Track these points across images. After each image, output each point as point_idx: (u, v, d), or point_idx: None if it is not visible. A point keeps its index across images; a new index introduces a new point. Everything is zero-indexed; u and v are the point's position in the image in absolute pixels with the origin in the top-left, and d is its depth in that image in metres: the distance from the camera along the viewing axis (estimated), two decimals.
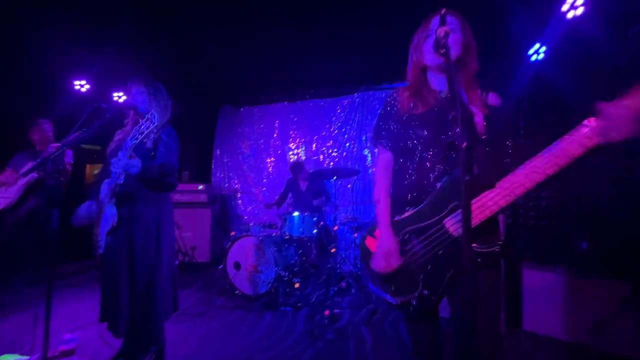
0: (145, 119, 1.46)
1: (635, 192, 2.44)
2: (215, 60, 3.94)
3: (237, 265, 3.17)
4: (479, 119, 1.07)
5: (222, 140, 5.39)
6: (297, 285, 3.14)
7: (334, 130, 4.77)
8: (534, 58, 3.26)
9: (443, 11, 0.90)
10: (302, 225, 3.27)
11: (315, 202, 3.77)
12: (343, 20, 3.15)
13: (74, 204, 1.64)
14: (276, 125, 5.10)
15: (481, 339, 1.00)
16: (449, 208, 1.01)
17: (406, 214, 1.11)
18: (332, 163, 4.73)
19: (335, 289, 3.29)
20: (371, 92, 4.58)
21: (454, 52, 1.06)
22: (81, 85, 4.11)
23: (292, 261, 3.28)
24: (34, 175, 2.55)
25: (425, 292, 1.05)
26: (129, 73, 1.78)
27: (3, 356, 1.84)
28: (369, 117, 4.57)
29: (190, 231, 4.25)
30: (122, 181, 1.49)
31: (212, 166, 5.40)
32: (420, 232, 1.07)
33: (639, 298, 2.01)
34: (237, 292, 3.14)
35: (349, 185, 4.45)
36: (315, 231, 3.31)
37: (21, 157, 2.77)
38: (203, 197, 4.48)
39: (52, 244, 2.17)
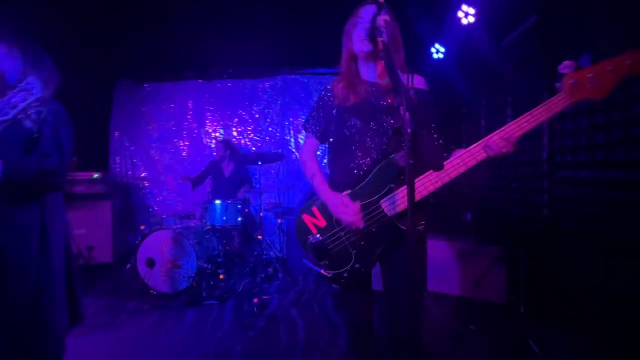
0: (18, 89, 1.12)
1: (505, 175, 3.08)
2: (107, 24, 3.28)
3: (151, 262, 2.83)
4: None
5: (121, 121, 4.61)
6: (221, 276, 2.99)
7: (255, 113, 4.58)
8: (435, 56, 3.70)
9: (382, 0, 0.94)
10: (225, 213, 3.10)
11: (239, 195, 3.59)
12: None
13: None
14: (189, 105, 4.61)
15: (410, 302, 1.13)
16: (385, 189, 1.09)
17: (345, 193, 1.15)
18: (254, 148, 4.57)
19: (263, 275, 3.26)
20: (294, 77, 4.53)
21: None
22: None
23: (215, 252, 3.09)
24: None
25: (357, 265, 1.14)
26: None
27: None
28: (292, 102, 4.53)
29: (85, 228, 3.57)
30: None
31: (110, 151, 4.59)
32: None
33: (506, 258, 2.58)
34: (153, 291, 2.81)
35: (273, 171, 4.38)
36: (239, 219, 3.18)
37: None
38: (99, 188, 3.79)
39: None
